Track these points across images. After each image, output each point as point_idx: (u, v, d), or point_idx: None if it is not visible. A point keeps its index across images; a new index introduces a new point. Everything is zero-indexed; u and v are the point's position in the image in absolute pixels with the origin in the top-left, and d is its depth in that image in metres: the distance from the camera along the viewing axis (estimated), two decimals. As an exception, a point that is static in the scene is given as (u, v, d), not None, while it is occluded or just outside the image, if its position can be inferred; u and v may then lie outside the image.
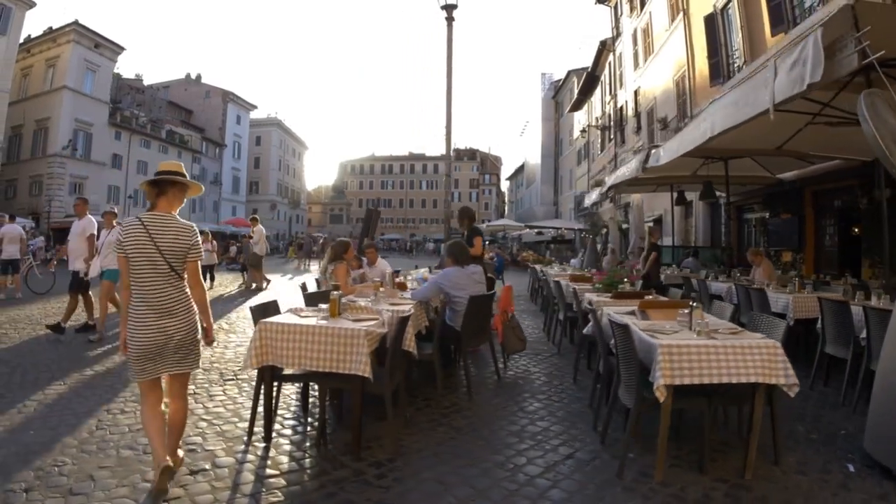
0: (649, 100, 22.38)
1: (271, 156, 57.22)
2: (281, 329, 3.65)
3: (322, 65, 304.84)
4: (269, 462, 3.45)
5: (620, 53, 28.18)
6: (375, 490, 3.05)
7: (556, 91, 50.47)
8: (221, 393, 4.95)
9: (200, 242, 3.17)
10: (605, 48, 30.95)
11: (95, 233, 7.78)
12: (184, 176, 3.24)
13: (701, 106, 16.62)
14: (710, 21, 15.43)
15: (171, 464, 2.91)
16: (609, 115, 30.82)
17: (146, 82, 50.45)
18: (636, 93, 24.88)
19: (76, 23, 36.69)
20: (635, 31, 24.83)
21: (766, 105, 4.34)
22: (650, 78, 22.46)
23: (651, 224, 20.75)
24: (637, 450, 3.51)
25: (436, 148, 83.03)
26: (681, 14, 18.12)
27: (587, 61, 35.46)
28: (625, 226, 23.89)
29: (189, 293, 3.12)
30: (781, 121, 5.10)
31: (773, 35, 12.23)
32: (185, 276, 3.09)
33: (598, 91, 35.33)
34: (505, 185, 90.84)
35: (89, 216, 7.98)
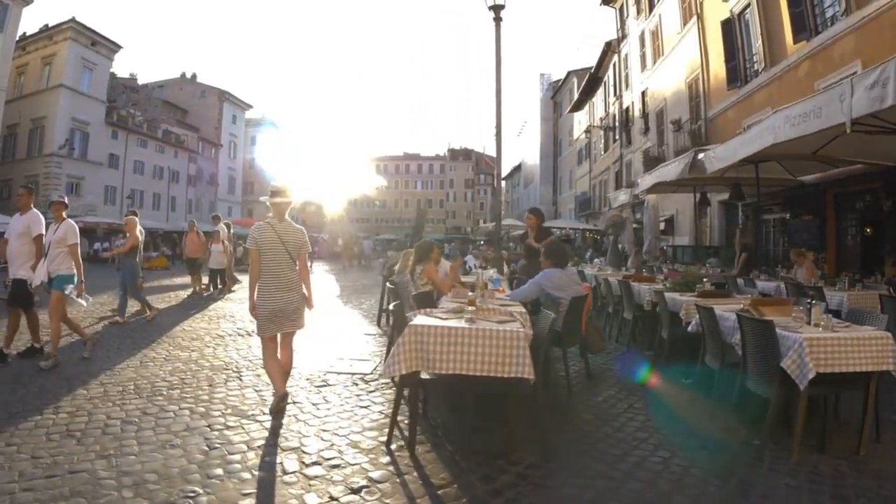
0: (658, 101, 22.89)
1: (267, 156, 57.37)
2: (435, 332, 3.53)
3: (314, 65, 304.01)
4: (426, 471, 3.31)
5: (626, 55, 28.69)
6: (551, 491, 3.10)
7: (554, 91, 51.01)
8: (322, 400, 4.73)
9: (308, 241, 4.62)
10: (609, 49, 31.44)
11: (44, 231, 6.14)
12: (289, 195, 4.65)
13: (715, 108, 17.21)
14: (727, 25, 15.93)
15: (286, 392, 4.41)
16: (614, 116, 31.34)
17: (140, 82, 50.40)
18: (644, 94, 25.40)
19: (73, 20, 36.53)
20: (643, 33, 25.35)
21: (841, 119, 4.80)
22: (659, 80, 22.98)
23: (663, 224, 21.28)
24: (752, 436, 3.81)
25: (431, 148, 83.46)
26: (694, 18, 18.63)
27: (586, 62, 36.15)
28: (635, 226, 24.36)
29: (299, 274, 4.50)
30: (831, 129, 5.54)
31: (795, 42, 12.72)
32: (299, 263, 4.48)
33: (600, 92, 35.86)
34: (501, 185, 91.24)
35: (35, 210, 6.35)
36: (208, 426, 4.07)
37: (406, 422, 3.91)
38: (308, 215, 64.63)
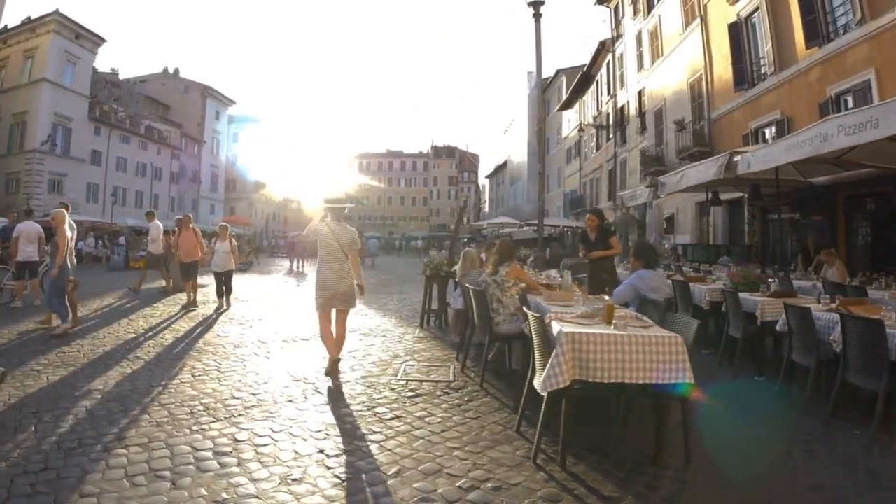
0: (657, 101, 23.44)
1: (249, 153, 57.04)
2: (594, 340, 3.47)
3: (296, 60, 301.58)
4: (592, 484, 3.23)
5: (622, 54, 29.25)
6: (724, 491, 3.22)
7: (542, 89, 51.54)
8: (425, 412, 4.52)
9: (358, 240, 5.75)
10: (603, 48, 31.98)
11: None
12: (345, 202, 6.03)
13: (719, 109, 17.76)
14: (734, 28, 16.46)
15: (339, 357, 5.56)
16: (607, 115, 31.89)
17: (121, 76, 49.68)
18: (640, 93, 25.95)
19: (57, 12, 35.70)
20: (640, 32, 25.90)
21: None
22: (658, 80, 23.52)
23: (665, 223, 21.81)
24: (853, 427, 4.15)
25: (414, 145, 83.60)
26: (697, 20, 19.17)
27: (573, 61, 36.56)
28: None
29: (350, 266, 5.60)
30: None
31: (807, 48, 13.23)
32: (349, 257, 5.58)
33: (591, 90, 36.43)
34: (483, 183, 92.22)
35: None
36: (321, 451, 3.67)
37: (529, 432, 3.94)
38: (290, 213, 64.42)
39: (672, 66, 21.94)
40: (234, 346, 7.19)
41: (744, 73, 16.19)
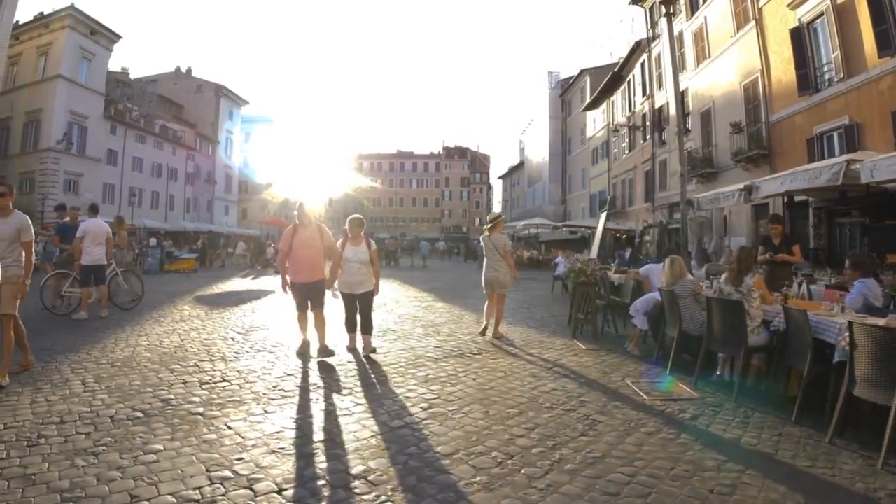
0: (704, 102, 24.33)
1: (262, 153, 57.84)
2: None
3: (306, 61, 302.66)
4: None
5: (658, 55, 30.19)
6: None
7: (563, 90, 52.56)
8: (705, 428, 4.50)
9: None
10: (638, 48, 32.91)
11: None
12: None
13: (779, 112, 18.61)
14: (796, 34, 17.34)
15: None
16: (643, 115, 32.79)
17: (132, 76, 50.37)
18: (683, 94, 26.87)
19: (73, 7, 36.30)
20: (681, 33, 26.79)
21: None
22: (704, 81, 24.42)
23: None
24: None
25: (425, 146, 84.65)
26: (752, 23, 20.06)
27: (591, 61, 37.58)
28: (676, 226, 25.73)
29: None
30: None
31: (879, 57, 14.07)
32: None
33: (621, 90, 37.41)
34: (496, 184, 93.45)
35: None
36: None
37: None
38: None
39: (721, 67, 22.82)
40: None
41: (808, 77, 17.03)
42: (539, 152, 58.55)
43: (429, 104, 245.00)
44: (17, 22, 36.54)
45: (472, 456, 3.78)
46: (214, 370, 6.07)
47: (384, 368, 6.40)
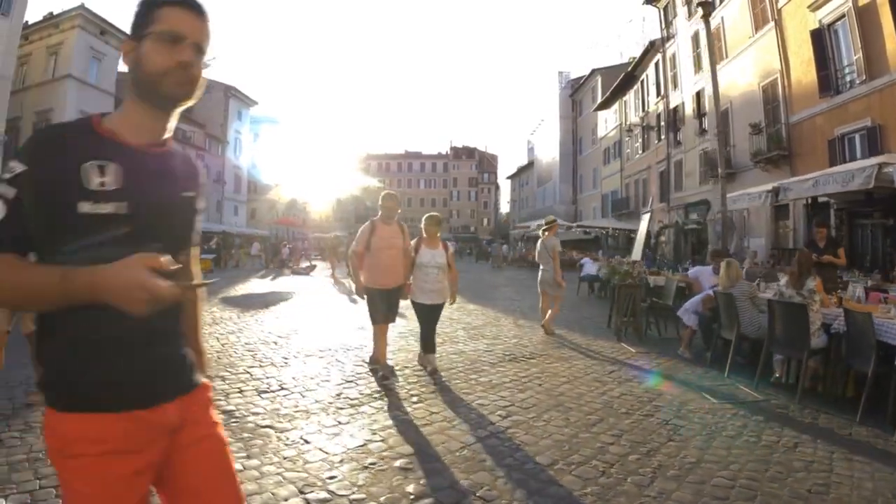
0: (721, 103, 24.47)
1: (269, 154, 58.14)
2: None
3: (314, 61, 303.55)
4: None
5: (673, 55, 30.39)
6: None
7: (573, 90, 52.80)
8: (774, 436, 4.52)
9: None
10: (652, 48, 33.10)
11: None
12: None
13: (800, 114, 18.81)
14: (817, 35, 17.52)
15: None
16: (657, 115, 32.98)
17: (140, 74, 50.55)
18: (698, 95, 27.09)
19: (83, 7, 36.81)
20: (696, 34, 27.04)
21: None
22: (721, 81, 24.43)
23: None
24: None
25: (432, 146, 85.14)
26: (771, 24, 20.25)
27: (600, 61, 37.80)
28: (693, 226, 25.94)
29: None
30: None
31: (903, 59, 14.36)
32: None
33: (634, 90, 37.61)
34: (504, 184, 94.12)
35: None
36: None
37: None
38: (309, 214, 65.52)
39: (739, 68, 23.03)
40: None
41: (829, 79, 17.22)
42: (549, 152, 58.83)
43: (436, 104, 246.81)
44: (27, 22, 36.91)
45: (572, 466, 3.83)
46: (268, 377, 6.07)
47: (443, 374, 6.41)
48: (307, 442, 4.16)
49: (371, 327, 6.25)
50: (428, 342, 6.45)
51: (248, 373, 6.24)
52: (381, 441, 4.23)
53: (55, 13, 38.50)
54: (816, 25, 17.56)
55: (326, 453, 3.95)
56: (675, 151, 30.34)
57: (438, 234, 6.62)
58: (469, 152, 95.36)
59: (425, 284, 6.35)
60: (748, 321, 6.49)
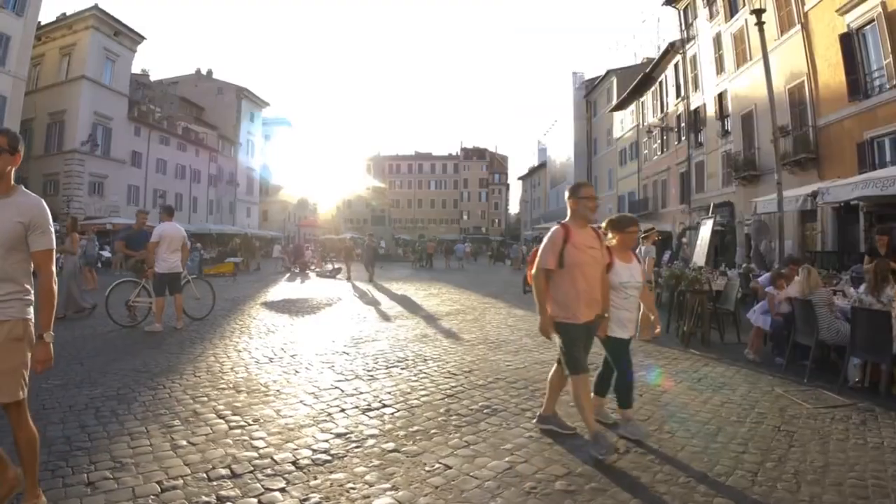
0: (745, 105, 24.89)
1: (281, 155, 58.96)
2: None
3: (323, 62, 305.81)
4: None
5: (694, 56, 30.86)
6: None
7: (588, 91, 53.29)
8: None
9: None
10: (672, 49, 33.53)
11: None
12: None
13: (827, 117, 19.21)
14: (845, 39, 17.95)
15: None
16: (679, 117, 33.41)
17: (151, 78, 51.35)
18: (721, 96, 27.53)
19: (97, 7, 37.06)
20: (718, 35, 27.47)
21: None
22: (746, 83, 24.98)
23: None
24: None
25: (443, 147, 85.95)
26: (798, 27, 20.65)
27: (614, 62, 38.26)
28: (718, 228, 26.25)
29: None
30: None
31: (932, 66, 14.79)
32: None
33: (653, 91, 38.07)
34: (514, 185, 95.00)
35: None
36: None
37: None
38: (320, 215, 66.06)
39: (764, 70, 23.42)
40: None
41: (858, 83, 17.63)
42: (563, 153, 59.31)
43: (447, 106, 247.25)
44: (40, 23, 37.17)
45: (721, 477, 3.86)
46: (360, 392, 5.73)
47: (536, 385, 6.16)
48: (448, 467, 3.88)
49: (568, 376, 4.35)
50: (625, 392, 4.65)
51: (338, 388, 5.88)
52: (525, 462, 4.01)
53: (68, 14, 38.77)
54: (845, 29, 17.96)
55: (476, 478, 3.70)
56: (696, 153, 30.78)
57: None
58: (480, 153, 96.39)
59: (623, 312, 4.66)
60: (827, 327, 6.70)
